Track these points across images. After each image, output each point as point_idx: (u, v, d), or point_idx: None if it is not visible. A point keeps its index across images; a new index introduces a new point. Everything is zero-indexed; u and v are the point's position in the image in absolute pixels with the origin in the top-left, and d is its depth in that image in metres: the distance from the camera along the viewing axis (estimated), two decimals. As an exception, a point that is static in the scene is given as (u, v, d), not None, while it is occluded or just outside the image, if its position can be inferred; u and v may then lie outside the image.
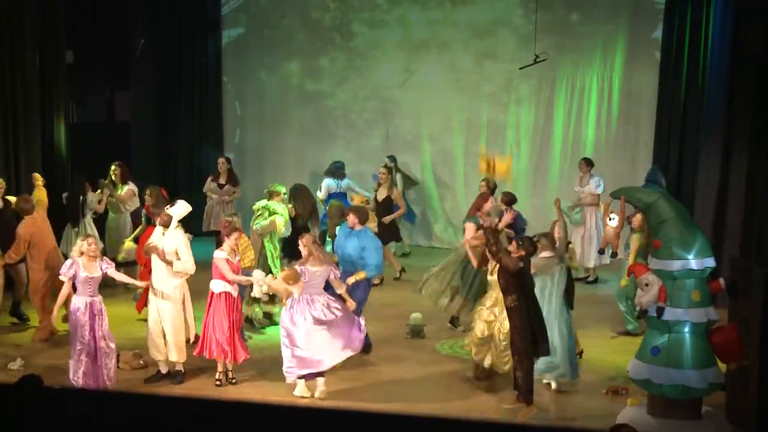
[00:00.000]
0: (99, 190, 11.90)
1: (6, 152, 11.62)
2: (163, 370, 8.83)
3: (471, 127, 15.21)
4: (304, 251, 8.41)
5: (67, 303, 8.54)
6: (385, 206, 12.74)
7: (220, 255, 8.64)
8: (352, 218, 9.43)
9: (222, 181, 13.44)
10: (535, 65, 13.13)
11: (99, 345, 8.18)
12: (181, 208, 8.97)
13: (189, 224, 10.06)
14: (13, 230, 10.03)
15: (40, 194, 10.34)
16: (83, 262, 8.23)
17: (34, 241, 9.98)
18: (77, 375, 8.10)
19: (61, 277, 8.36)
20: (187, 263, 8.74)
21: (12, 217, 10.28)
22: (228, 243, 8.68)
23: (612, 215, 9.14)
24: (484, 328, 8.63)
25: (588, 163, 12.95)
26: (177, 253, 8.73)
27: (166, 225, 8.83)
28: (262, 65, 16.06)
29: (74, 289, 8.41)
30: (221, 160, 13.62)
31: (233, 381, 8.70)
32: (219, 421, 3.70)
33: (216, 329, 8.53)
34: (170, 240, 8.76)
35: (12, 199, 10.48)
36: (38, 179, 10.54)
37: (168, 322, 8.70)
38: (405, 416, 3.96)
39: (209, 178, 13.57)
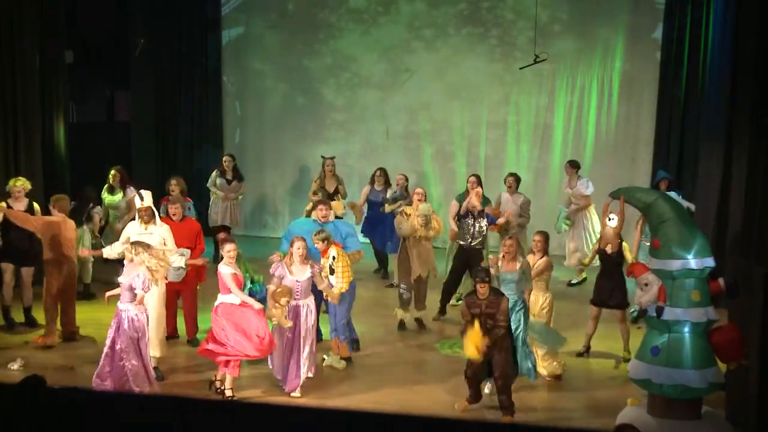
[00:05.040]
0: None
1: (6, 152, 11.61)
2: None
3: (471, 127, 15.21)
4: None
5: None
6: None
7: (226, 270, 8.40)
8: (324, 212, 9.65)
9: (229, 177, 13.35)
10: (535, 65, 13.13)
11: (144, 353, 8.10)
12: (150, 199, 8.92)
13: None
14: (37, 237, 9.97)
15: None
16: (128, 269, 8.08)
17: (54, 239, 9.75)
18: (135, 381, 7.93)
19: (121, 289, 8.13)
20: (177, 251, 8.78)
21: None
22: (226, 256, 8.45)
23: (611, 215, 9.15)
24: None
25: (573, 165, 12.83)
26: (165, 243, 8.75)
27: (151, 220, 8.79)
28: (262, 65, 16.07)
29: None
30: (227, 157, 13.50)
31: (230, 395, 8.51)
32: (219, 422, 3.70)
33: (229, 338, 8.32)
34: (156, 233, 8.73)
35: (38, 207, 10.35)
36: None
37: (152, 316, 8.66)
38: (405, 416, 3.96)
39: (216, 172, 13.33)
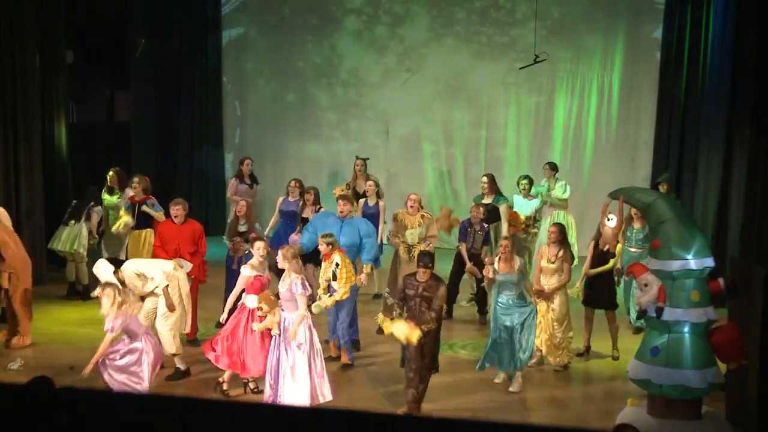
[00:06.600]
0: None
1: (6, 152, 11.62)
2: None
3: (471, 127, 15.21)
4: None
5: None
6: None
7: (248, 273, 8.33)
8: (343, 207, 9.64)
9: (248, 181, 13.22)
10: (535, 65, 13.13)
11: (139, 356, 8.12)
12: (104, 272, 8.60)
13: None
14: None
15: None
16: None
17: (17, 245, 9.67)
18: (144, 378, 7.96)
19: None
20: (154, 281, 8.68)
21: None
22: (255, 255, 8.36)
23: (610, 216, 9.14)
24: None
25: (552, 167, 12.70)
26: (142, 276, 8.64)
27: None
28: (262, 65, 16.07)
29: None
30: (247, 161, 13.22)
31: (255, 390, 8.45)
32: (219, 422, 3.70)
33: (234, 342, 8.27)
34: (127, 274, 8.61)
35: None
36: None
37: (161, 315, 8.70)
38: (405, 416, 3.96)
39: (235, 182, 13.06)
